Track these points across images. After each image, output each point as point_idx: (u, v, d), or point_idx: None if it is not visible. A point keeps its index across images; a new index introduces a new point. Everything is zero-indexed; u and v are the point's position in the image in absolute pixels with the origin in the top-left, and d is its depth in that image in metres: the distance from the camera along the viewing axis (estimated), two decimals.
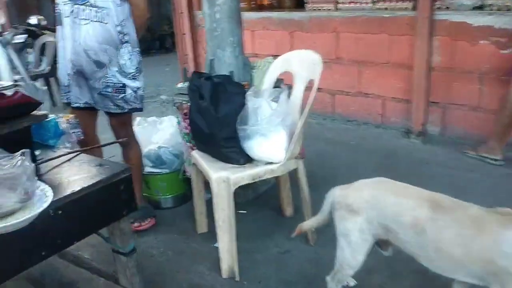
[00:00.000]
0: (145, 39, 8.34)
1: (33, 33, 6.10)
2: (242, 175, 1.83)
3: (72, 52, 2.06)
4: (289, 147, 1.87)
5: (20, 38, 6.11)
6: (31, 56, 6.16)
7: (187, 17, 5.18)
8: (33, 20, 6.34)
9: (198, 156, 2.04)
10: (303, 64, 2.05)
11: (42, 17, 5.98)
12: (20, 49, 6.37)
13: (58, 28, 2.13)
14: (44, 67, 5.52)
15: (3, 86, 1.45)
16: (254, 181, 1.87)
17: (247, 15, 3.93)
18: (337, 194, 1.47)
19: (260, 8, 4.91)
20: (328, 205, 1.51)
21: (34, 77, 5.32)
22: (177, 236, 2.32)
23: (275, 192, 2.45)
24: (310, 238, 2.09)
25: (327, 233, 1.58)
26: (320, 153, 3.19)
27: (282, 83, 2.29)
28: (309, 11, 4.20)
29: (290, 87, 2.07)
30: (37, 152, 1.58)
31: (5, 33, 1.75)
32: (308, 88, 1.95)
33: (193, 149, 2.14)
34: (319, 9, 4.12)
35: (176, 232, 2.36)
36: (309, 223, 1.67)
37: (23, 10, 7.10)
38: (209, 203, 2.01)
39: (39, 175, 1.38)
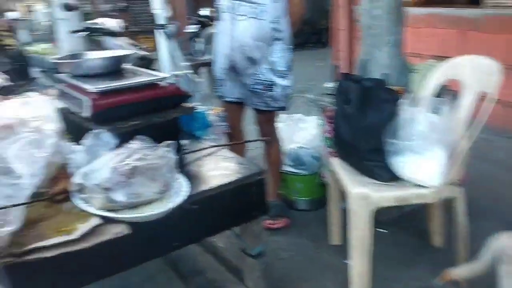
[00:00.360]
0: (303, 32, 8.43)
1: (203, 24, 6.68)
2: (385, 195, 1.62)
3: (228, 47, 2.10)
4: (447, 170, 1.59)
5: (192, 28, 6.75)
6: (199, 46, 6.77)
7: (345, 12, 4.99)
8: (203, 11, 6.95)
9: (337, 164, 1.89)
10: (475, 72, 1.73)
11: (213, 9, 6.49)
12: (190, 38, 7.04)
13: (217, 23, 2.20)
14: (208, 56, 5.99)
15: (160, 77, 1.52)
16: (398, 204, 1.65)
17: (410, 11, 3.56)
18: (507, 243, 1.17)
19: (427, 3, 4.43)
20: (491, 254, 1.22)
21: (199, 65, 5.84)
22: (309, 242, 2.22)
23: (424, 214, 2.15)
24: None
25: (485, 279, 1.28)
26: (485, 176, 2.70)
27: (447, 92, 1.98)
28: (487, 7, 3.62)
29: (455, 97, 1.77)
30: (184, 142, 1.65)
31: (170, 25, 1.88)
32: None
33: (333, 156, 2.01)
34: (501, 6, 3.51)
35: (308, 237, 2.26)
36: (462, 272, 1.37)
37: (198, 1, 7.80)
38: (345, 213, 1.86)
39: (182, 166, 1.42)
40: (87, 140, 1.27)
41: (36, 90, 2.31)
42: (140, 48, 4.27)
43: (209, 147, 1.64)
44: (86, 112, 1.38)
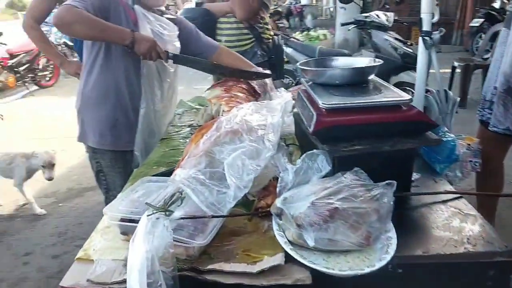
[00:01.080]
0: None
1: (493, 18, 5.68)
2: None
3: (509, 63, 1.64)
4: None
5: (475, 22, 5.87)
6: (481, 43, 5.84)
7: None
8: (497, 3, 5.90)
9: None
10: None
11: (507, 1, 5.47)
12: (474, 33, 6.15)
13: (502, 30, 1.74)
14: (488, 57, 5.06)
15: (402, 99, 1.27)
16: None
17: None
18: None
19: None
20: None
21: (474, 67, 4.98)
22: None
23: None
24: None
25: None
26: None
27: None
28: None
29: None
30: (415, 176, 1.38)
31: (435, 32, 1.55)
32: None
33: None
34: None
35: None
36: None
37: None
38: None
39: (400, 209, 1.18)
40: (300, 160, 1.19)
41: (290, 83, 2.41)
42: (408, 43, 3.93)
43: (445, 193, 1.32)
44: (311, 127, 1.29)
